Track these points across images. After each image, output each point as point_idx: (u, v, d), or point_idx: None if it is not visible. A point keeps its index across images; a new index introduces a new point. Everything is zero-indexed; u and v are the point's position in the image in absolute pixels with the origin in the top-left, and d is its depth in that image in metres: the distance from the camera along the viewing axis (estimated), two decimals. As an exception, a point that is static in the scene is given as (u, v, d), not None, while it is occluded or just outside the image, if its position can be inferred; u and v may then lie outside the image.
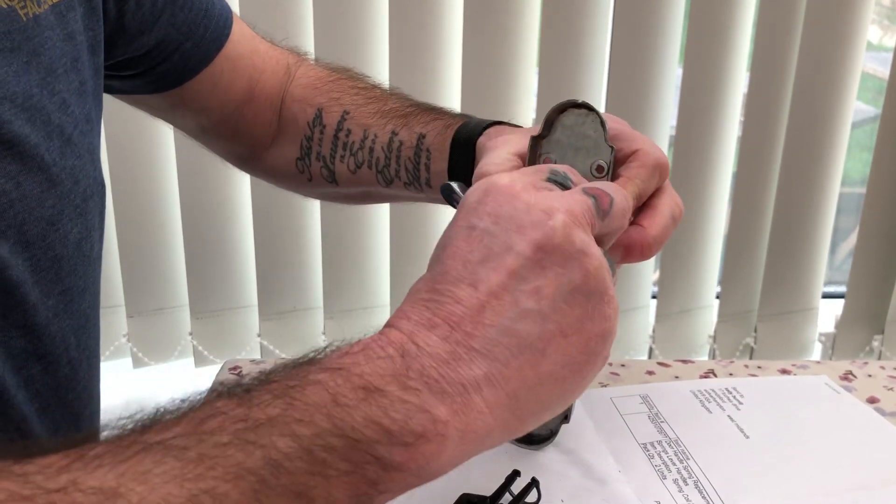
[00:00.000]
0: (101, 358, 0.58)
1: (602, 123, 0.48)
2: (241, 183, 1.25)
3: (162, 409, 0.31)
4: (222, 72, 0.62)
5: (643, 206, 0.47)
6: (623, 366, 0.63)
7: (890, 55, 1.22)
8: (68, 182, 0.48)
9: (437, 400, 0.32)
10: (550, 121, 0.49)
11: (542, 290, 0.35)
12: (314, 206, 1.26)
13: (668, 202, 0.48)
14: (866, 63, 1.49)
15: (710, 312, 1.34)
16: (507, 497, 0.45)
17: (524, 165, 0.49)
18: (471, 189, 0.38)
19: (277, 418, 0.30)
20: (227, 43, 0.62)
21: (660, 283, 1.32)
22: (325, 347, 0.34)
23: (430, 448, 0.32)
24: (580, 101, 0.49)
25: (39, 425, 0.49)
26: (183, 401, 0.32)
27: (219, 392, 0.32)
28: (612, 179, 0.47)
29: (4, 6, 0.44)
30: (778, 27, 1.19)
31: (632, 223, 0.46)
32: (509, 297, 0.34)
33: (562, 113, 0.49)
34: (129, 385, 1.31)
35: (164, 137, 1.22)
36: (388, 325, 0.35)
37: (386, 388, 0.32)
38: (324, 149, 0.63)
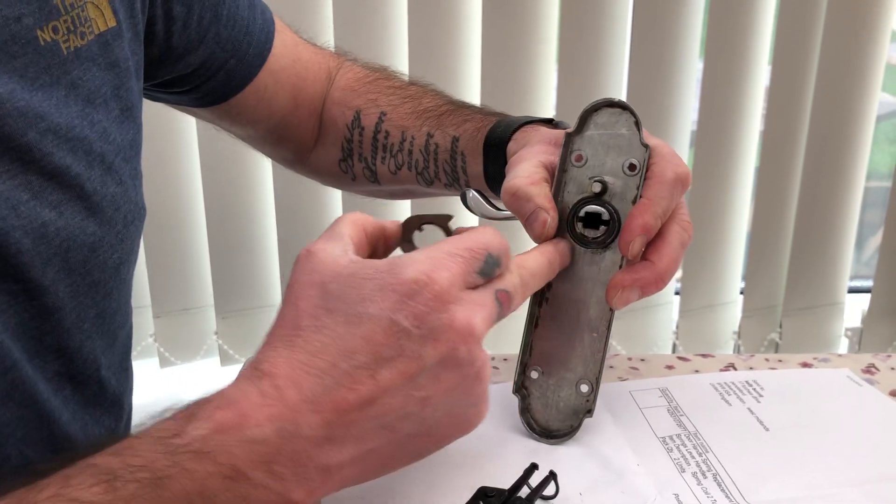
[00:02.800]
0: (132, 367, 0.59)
1: (637, 123, 0.49)
2: (265, 184, 1.26)
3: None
4: (266, 86, 0.63)
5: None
6: (643, 360, 0.63)
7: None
8: (109, 209, 0.49)
9: (298, 485, 0.35)
10: (584, 118, 0.49)
11: (430, 399, 0.37)
12: (336, 206, 1.27)
13: (676, 230, 0.49)
14: (893, 54, 1.47)
15: (734, 308, 1.33)
16: (526, 490, 0.45)
17: (552, 177, 0.50)
18: (404, 275, 0.37)
19: None
20: (270, 56, 0.63)
21: (683, 279, 1.31)
22: (195, 401, 0.36)
23: None
24: (616, 99, 0.49)
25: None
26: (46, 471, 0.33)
27: (72, 456, 0.34)
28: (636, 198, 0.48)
29: (49, 40, 0.45)
30: (800, 19, 1.18)
31: (643, 257, 0.48)
32: (401, 398, 0.36)
33: (596, 111, 0.49)
34: (156, 384, 1.33)
35: (188, 140, 1.23)
36: (275, 383, 0.35)
37: (252, 474, 0.34)
38: (364, 150, 0.65)
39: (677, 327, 1.32)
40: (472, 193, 0.54)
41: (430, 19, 1.17)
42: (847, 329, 1.34)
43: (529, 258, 0.45)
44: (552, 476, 0.46)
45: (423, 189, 0.64)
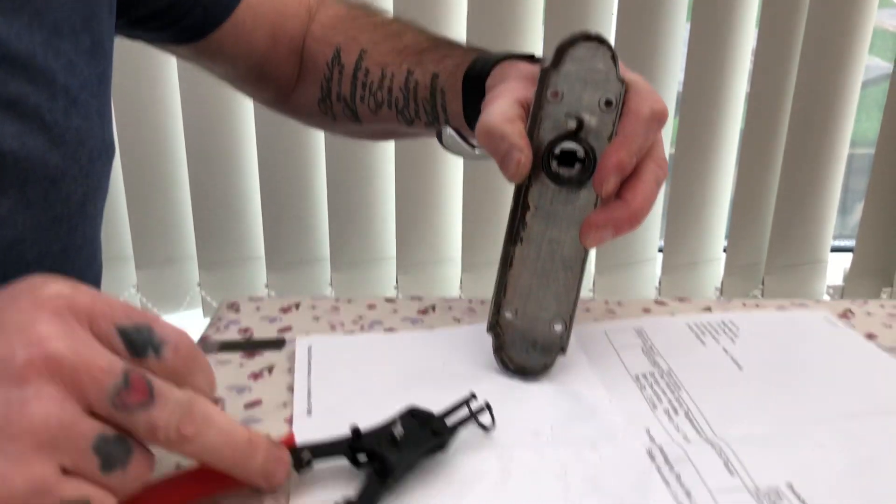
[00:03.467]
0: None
1: (613, 57, 0.48)
2: (247, 134, 1.25)
3: None
4: (244, 21, 0.62)
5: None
6: (620, 304, 0.63)
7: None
8: (73, 143, 0.47)
9: None
10: (561, 52, 0.48)
11: None
12: (320, 158, 1.26)
13: (651, 167, 0.48)
14: (886, 20, 1.45)
15: (717, 265, 1.34)
16: (461, 416, 0.45)
17: (526, 114, 0.49)
18: (36, 279, 0.30)
19: None
20: None
21: (666, 235, 1.31)
22: None
23: None
24: (593, 32, 0.48)
25: None
26: None
27: None
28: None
29: None
30: (789, -25, 1.17)
31: (617, 195, 0.47)
32: None
33: (573, 45, 0.48)
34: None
35: (170, 89, 1.22)
36: None
37: None
38: (343, 89, 0.63)
39: (660, 283, 1.33)
40: (448, 131, 0.53)
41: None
42: (829, 286, 1.35)
43: (223, 414, 0.32)
44: (487, 407, 0.46)
45: (405, 129, 0.63)
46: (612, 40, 1.22)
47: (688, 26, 1.21)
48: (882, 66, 1.56)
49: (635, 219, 0.48)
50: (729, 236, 1.32)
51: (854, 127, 1.28)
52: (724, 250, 1.34)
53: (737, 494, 0.41)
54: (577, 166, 0.49)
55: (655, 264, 1.33)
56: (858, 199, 1.53)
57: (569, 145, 0.48)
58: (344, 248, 1.30)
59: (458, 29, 1.19)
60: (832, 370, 0.53)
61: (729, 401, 0.49)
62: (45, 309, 0.28)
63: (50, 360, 0.27)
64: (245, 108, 1.24)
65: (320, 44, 0.65)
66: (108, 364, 0.28)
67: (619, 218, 0.47)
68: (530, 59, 0.56)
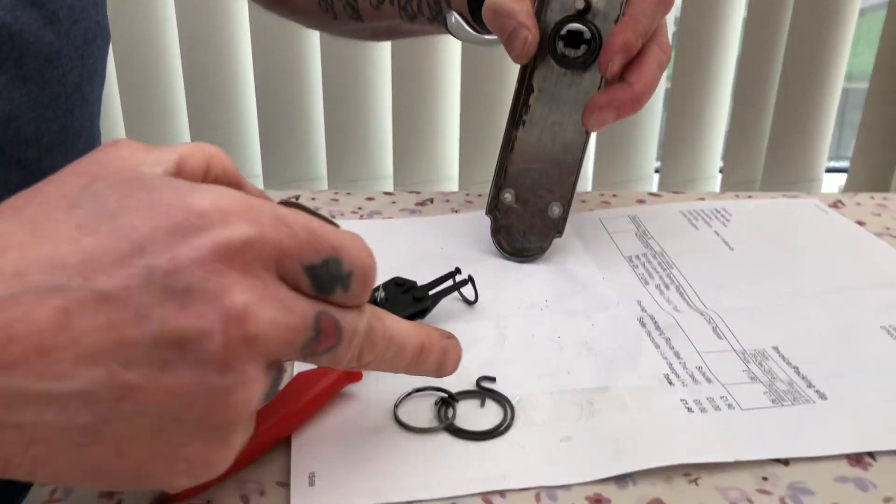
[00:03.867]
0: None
1: None
2: (244, 51, 1.24)
3: None
4: None
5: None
6: (615, 196, 0.64)
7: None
8: (67, 21, 0.47)
9: None
10: None
11: (136, 393, 0.23)
12: (317, 76, 1.25)
13: (655, 51, 0.48)
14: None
15: (712, 184, 1.35)
16: (447, 287, 0.47)
17: None
18: (199, 204, 0.24)
19: None
20: None
21: (663, 154, 1.32)
22: None
23: None
24: None
25: None
26: None
27: None
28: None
29: None
30: None
31: (620, 78, 0.47)
32: (92, 365, 0.23)
33: None
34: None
35: (166, 8, 1.21)
36: None
37: None
38: None
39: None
40: (454, 17, 0.53)
41: None
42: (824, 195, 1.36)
43: (399, 323, 0.31)
44: (470, 280, 0.47)
45: (407, 26, 0.62)
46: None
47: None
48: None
49: (638, 101, 0.48)
50: (725, 156, 1.32)
51: (854, 60, 1.28)
52: (720, 171, 1.35)
53: (724, 355, 0.43)
54: (583, 48, 0.49)
55: (652, 182, 1.34)
56: (854, 133, 1.54)
57: (575, 26, 0.49)
58: (341, 166, 1.31)
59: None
60: (820, 250, 0.54)
61: (719, 277, 0.51)
62: (234, 264, 0.24)
63: (250, 341, 0.24)
64: (241, 25, 1.23)
65: None
66: (302, 321, 0.26)
67: (622, 99, 0.48)
68: None
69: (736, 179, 1.32)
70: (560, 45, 0.49)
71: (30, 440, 0.23)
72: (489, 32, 0.52)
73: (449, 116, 1.30)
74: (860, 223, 0.59)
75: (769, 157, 1.30)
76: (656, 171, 1.35)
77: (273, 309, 0.25)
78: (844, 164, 1.39)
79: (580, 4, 0.48)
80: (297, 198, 0.64)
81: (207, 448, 0.25)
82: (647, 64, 0.48)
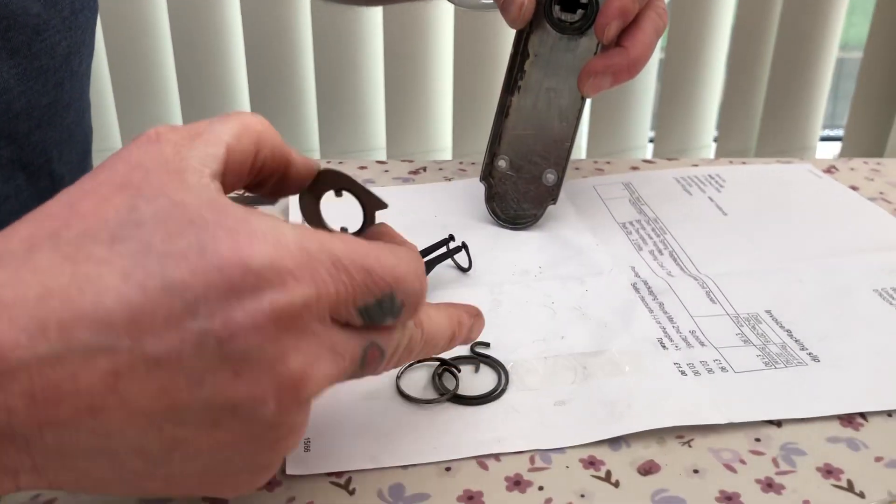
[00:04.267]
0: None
1: None
2: (233, 23, 1.23)
3: None
4: None
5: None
6: (608, 162, 0.64)
7: None
8: None
9: None
10: None
11: (186, 445, 0.23)
12: (307, 47, 1.24)
13: (651, 16, 0.48)
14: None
15: (707, 153, 1.34)
16: (440, 254, 0.47)
17: None
18: (256, 260, 0.23)
19: None
20: None
21: (657, 124, 1.31)
22: None
23: None
24: None
25: None
26: None
27: None
28: None
29: None
30: None
31: (616, 44, 0.47)
32: (144, 424, 0.23)
33: None
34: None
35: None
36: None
37: None
38: None
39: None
40: None
41: None
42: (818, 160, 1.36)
43: (435, 318, 0.31)
44: (464, 247, 0.47)
45: None
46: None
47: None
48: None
49: (634, 67, 0.48)
50: (719, 124, 1.32)
51: (848, 30, 1.27)
52: (715, 140, 1.34)
53: (717, 318, 0.43)
54: (580, 12, 0.48)
55: (646, 152, 1.34)
56: (849, 103, 1.53)
57: None
58: (333, 138, 1.30)
59: None
60: (814, 215, 0.54)
61: (713, 242, 0.51)
62: (290, 328, 0.23)
63: (304, 400, 0.24)
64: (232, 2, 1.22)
65: None
66: (351, 360, 0.26)
67: (618, 65, 0.47)
68: None
69: (730, 148, 1.31)
70: (556, 9, 0.49)
71: (82, 476, 0.23)
72: None
73: (442, 86, 1.29)
74: (854, 188, 0.59)
75: (763, 126, 1.30)
76: (650, 140, 1.35)
77: (326, 361, 0.25)
78: (839, 132, 1.39)
79: None
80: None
81: (254, 476, 0.26)
82: (643, 29, 0.48)
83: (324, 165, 0.32)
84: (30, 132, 0.49)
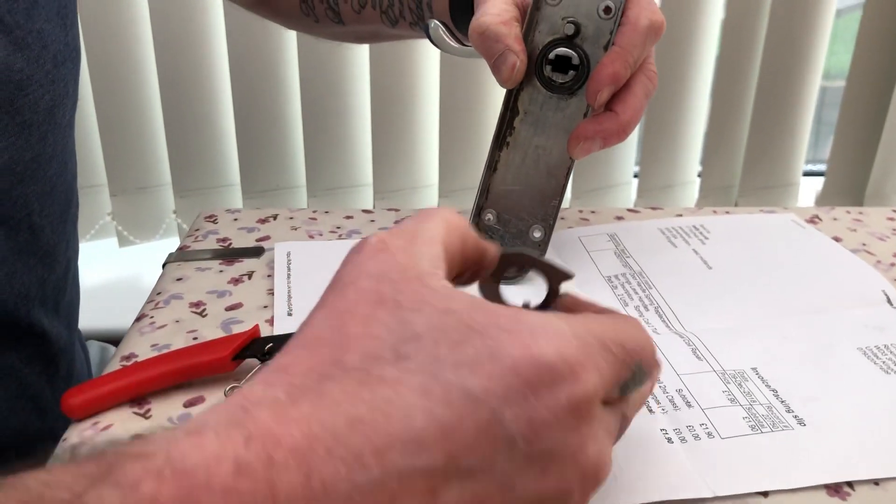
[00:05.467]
0: (86, 237, 0.58)
1: None
2: (220, 58, 1.23)
3: None
4: None
5: None
6: (593, 212, 0.64)
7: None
8: (36, 46, 0.46)
9: None
10: None
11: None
12: (295, 83, 1.24)
13: (642, 80, 0.48)
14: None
15: (692, 188, 1.35)
16: None
17: (523, 16, 0.48)
18: (538, 349, 0.24)
19: None
20: None
21: (642, 159, 1.32)
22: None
23: None
24: None
25: (7, 291, 0.49)
26: None
27: None
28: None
29: None
30: None
31: (606, 107, 0.47)
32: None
33: None
34: (115, 263, 1.32)
35: (140, 9, 1.19)
36: (266, 451, 0.21)
37: None
38: None
39: (635, 206, 1.34)
40: (434, 24, 0.53)
41: None
42: (800, 209, 1.37)
43: (653, 370, 0.31)
44: None
45: (389, 30, 0.62)
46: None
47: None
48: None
49: (624, 131, 0.48)
50: (703, 160, 1.33)
51: (828, 59, 1.29)
52: (699, 175, 1.35)
53: (704, 375, 0.43)
54: (571, 73, 0.48)
55: (631, 188, 1.34)
56: (831, 132, 1.55)
57: (564, 51, 0.48)
58: (320, 174, 1.30)
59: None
60: (798, 268, 0.54)
61: (698, 298, 0.51)
62: (584, 417, 0.24)
63: (600, 483, 0.25)
64: (217, 32, 1.22)
65: None
66: (615, 434, 0.28)
67: (609, 130, 0.47)
68: None
69: (714, 184, 1.32)
70: (547, 68, 0.49)
71: None
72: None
73: (428, 123, 1.30)
74: (837, 239, 0.59)
75: (747, 161, 1.31)
76: (635, 175, 1.36)
77: (609, 443, 0.26)
78: (822, 167, 1.41)
79: (569, 30, 0.48)
80: (276, 217, 0.63)
81: None
82: (634, 94, 0.48)
83: (501, 250, 0.32)
84: (11, 187, 0.48)
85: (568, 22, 0.48)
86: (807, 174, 1.38)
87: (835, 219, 0.63)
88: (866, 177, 1.32)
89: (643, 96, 0.48)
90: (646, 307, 0.50)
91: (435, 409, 0.22)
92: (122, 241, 1.32)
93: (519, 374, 0.23)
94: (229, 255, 0.57)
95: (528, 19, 0.48)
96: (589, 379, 0.24)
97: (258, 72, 1.23)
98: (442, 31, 0.52)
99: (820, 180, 1.37)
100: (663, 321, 0.49)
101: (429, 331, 0.24)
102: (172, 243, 1.34)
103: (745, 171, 1.31)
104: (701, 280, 0.53)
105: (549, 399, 0.23)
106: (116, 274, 1.34)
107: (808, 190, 1.38)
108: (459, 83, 1.23)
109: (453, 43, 0.53)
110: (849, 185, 1.33)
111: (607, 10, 0.47)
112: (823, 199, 1.33)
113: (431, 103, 1.28)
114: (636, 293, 0.51)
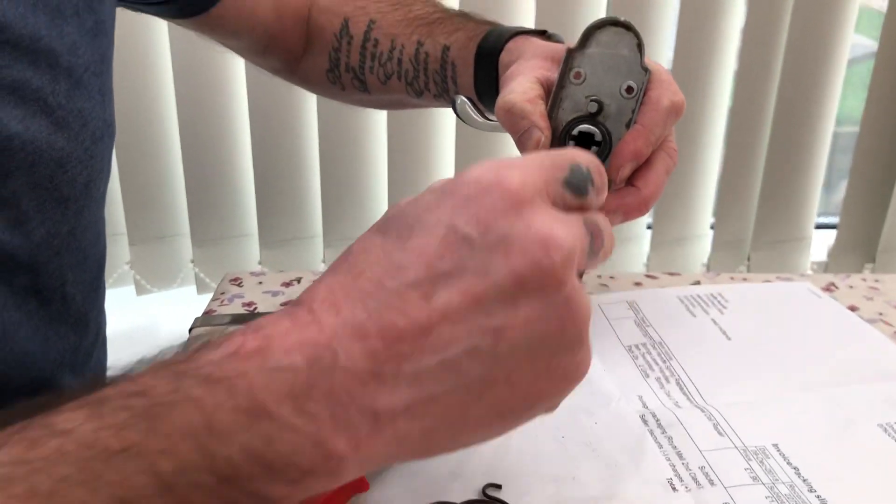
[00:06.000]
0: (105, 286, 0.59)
1: (639, 45, 0.48)
2: (240, 111, 1.26)
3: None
4: None
5: None
6: (612, 278, 0.65)
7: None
8: (76, 125, 0.48)
9: (337, 430, 0.27)
10: (588, 35, 0.48)
11: (505, 332, 0.28)
12: (312, 134, 1.27)
13: (663, 157, 0.49)
14: (875, -1, 1.46)
15: (704, 241, 1.36)
16: None
17: (547, 94, 0.50)
18: (468, 176, 0.30)
19: (134, 448, 0.25)
20: None
21: (655, 211, 1.33)
22: (222, 332, 0.29)
23: (319, 483, 0.27)
24: (621, 19, 0.48)
25: (42, 359, 0.50)
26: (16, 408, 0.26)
27: (65, 393, 0.27)
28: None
29: None
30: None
31: (628, 183, 0.48)
32: (464, 326, 0.28)
33: (600, 29, 0.48)
34: (133, 312, 1.33)
35: (162, 62, 1.22)
36: (310, 307, 0.28)
37: (277, 411, 0.26)
38: (352, 60, 0.64)
39: (648, 259, 1.35)
40: (461, 100, 0.54)
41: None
42: (813, 262, 1.37)
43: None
44: None
45: (414, 100, 0.63)
46: (604, 15, 1.23)
47: (677, 2, 1.23)
48: (867, 44, 1.58)
49: (645, 206, 0.49)
50: (716, 213, 1.34)
51: (840, 105, 1.31)
52: (712, 227, 1.36)
53: (726, 452, 0.43)
54: (594, 149, 0.49)
55: (644, 241, 1.36)
56: (843, 177, 1.56)
57: (587, 128, 0.49)
58: (337, 224, 1.32)
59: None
60: (816, 340, 0.55)
61: (718, 369, 0.52)
62: (523, 205, 0.30)
63: (565, 256, 0.29)
64: (238, 84, 1.25)
65: (327, 14, 0.65)
66: (580, 228, 0.31)
67: (630, 204, 0.48)
68: (542, 33, 0.57)
69: (727, 238, 1.33)
70: (570, 144, 0.50)
71: (445, 407, 0.28)
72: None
73: (442, 169, 1.31)
74: (853, 308, 0.60)
75: (759, 213, 1.32)
76: (648, 227, 1.37)
77: (563, 226, 0.29)
78: (833, 219, 1.41)
79: (593, 108, 0.49)
80: (299, 280, 0.64)
81: (572, 355, 0.30)
82: (655, 170, 0.49)
83: None
84: (48, 261, 0.49)
85: (591, 100, 0.49)
86: (819, 227, 1.39)
87: (851, 286, 0.64)
88: (879, 230, 1.33)
89: (664, 172, 0.49)
90: (667, 379, 0.51)
91: (407, 244, 0.29)
92: (140, 290, 1.33)
93: (456, 194, 0.29)
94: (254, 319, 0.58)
95: (553, 97, 0.50)
96: (511, 176, 0.29)
97: (277, 123, 1.25)
98: (468, 107, 0.54)
99: (832, 233, 1.37)
100: (684, 394, 0.49)
101: (402, 208, 0.31)
102: (189, 292, 1.35)
103: (758, 223, 1.32)
104: (720, 351, 0.54)
105: (486, 200, 0.29)
106: (132, 322, 1.35)
107: (820, 243, 1.39)
108: (474, 140, 1.25)
109: (478, 117, 0.54)
110: (861, 238, 1.34)
111: (630, 89, 0.48)
112: (835, 253, 1.34)
113: (447, 155, 1.30)
114: (657, 364, 0.52)
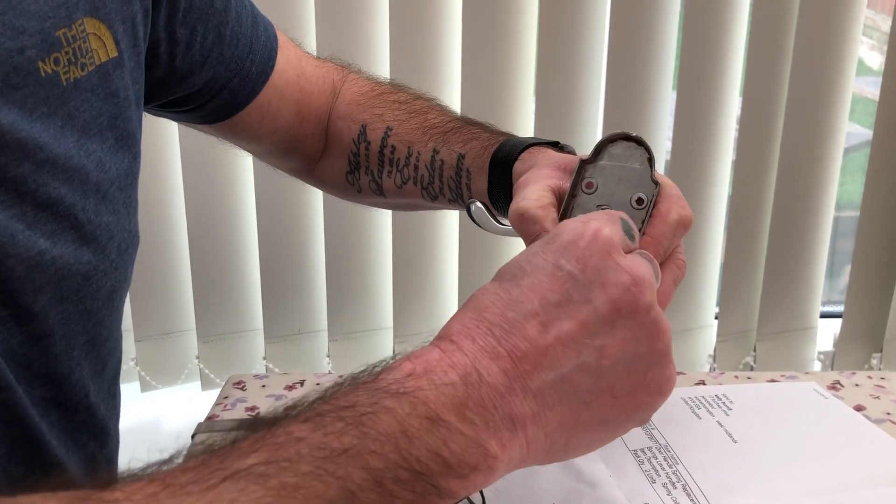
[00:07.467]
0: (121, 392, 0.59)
1: (650, 160, 0.50)
2: (247, 207, 1.28)
3: (236, 434, 0.33)
4: (270, 102, 0.64)
5: None
6: (616, 377, 0.65)
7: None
8: (103, 238, 0.49)
9: (489, 434, 0.34)
10: (600, 148, 0.50)
11: (606, 349, 0.36)
12: (318, 230, 1.29)
13: (671, 268, 0.49)
14: (865, 88, 1.50)
15: (709, 332, 1.36)
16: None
17: (559, 201, 0.51)
18: (563, 228, 0.40)
19: (352, 449, 0.32)
20: (273, 73, 0.64)
21: (659, 303, 1.33)
22: (384, 361, 0.36)
23: (480, 479, 0.34)
24: (633, 134, 0.50)
25: (73, 468, 0.50)
26: (254, 422, 0.34)
27: (287, 413, 0.34)
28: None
29: (50, 72, 0.45)
30: (769, 52, 1.22)
31: None
32: (574, 347, 0.36)
33: (612, 142, 0.50)
34: (137, 408, 1.32)
35: (170, 162, 1.25)
36: (450, 339, 0.36)
37: (447, 418, 0.33)
38: (371, 164, 0.66)
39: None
40: (476, 205, 0.56)
41: (410, 26, 1.19)
42: (819, 352, 1.37)
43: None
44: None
45: (428, 203, 0.65)
46: (600, 113, 1.26)
47: (674, 95, 1.26)
48: (862, 132, 1.62)
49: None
50: (720, 302, 1.34)
51: (839, 191, 1.32)
52: (716, 317, 1.36)
53: (735, 568, 0.43)
54: None
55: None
56: (846, 261, 1.56)
57: None
58: (341, 319, 1.32)
59: (452, 59, 1.22)
60: (823, 442, 0.54)
61: (724, 474, 0.51)
62: (613, 251, 0.39)
63: (650, 286, 0.38)
64: (245, 182, 1.27)
65: (346, 121, 0.67)
66: (652, 266, 0.41)
67: None
68: (555, 144, 0.59)
69: (732, 329, 1.33)
70: None
71: (562, 415, 0.36)
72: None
73: (448, 268, 1.32)
74: (860, 407, 0.60)
75: (764, 303, 1.32)
76: (653, 318, 1.37)
77: (642, 264, 0.39)
78: (838, 308, 1.41)
79: None
80: (302, 383, 0.64)
81: (662, 369, 0.38)
82: (663, 283, 0.49)
83: None
84: (70, 371, 0.49)
85: (602, 209, 0.50)
86: (824, 315, 1.39)
87: (856, 384, 0.63)
88: (885, 317, 1.32)
89: (672, 283, 0.49)
90: (673, 485, 0.50)
91: (521, 283, 0.38)
92: (145, 386, 1.33)
93: (558, 242, 0.39)
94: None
95: (565, 205, 0.51)
96: (599, 227, 0.39)
97: (282, 220, 1.27)
98: (483, 212, 0.55)
99: (837, 322, 1.37)
100: (691, 500, 0.49)
101: (513, 262, 0.40)
102: (194, 388, 1.35)
103: (763, 313, 1.32)
104: (726, 455, 0.53)
105: (582, 244, 0.38)
106: (136, 418, 1.34)
107: (827, 332, 1.38)
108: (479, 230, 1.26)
109: (492, 222, 0.55)
110: (868, 326, 1.33)
111: (639, 201, 0.49)
112: (841, 343, 1.33)
113: (451, 248, 1.31)
114: (663, 469, 0.52)
